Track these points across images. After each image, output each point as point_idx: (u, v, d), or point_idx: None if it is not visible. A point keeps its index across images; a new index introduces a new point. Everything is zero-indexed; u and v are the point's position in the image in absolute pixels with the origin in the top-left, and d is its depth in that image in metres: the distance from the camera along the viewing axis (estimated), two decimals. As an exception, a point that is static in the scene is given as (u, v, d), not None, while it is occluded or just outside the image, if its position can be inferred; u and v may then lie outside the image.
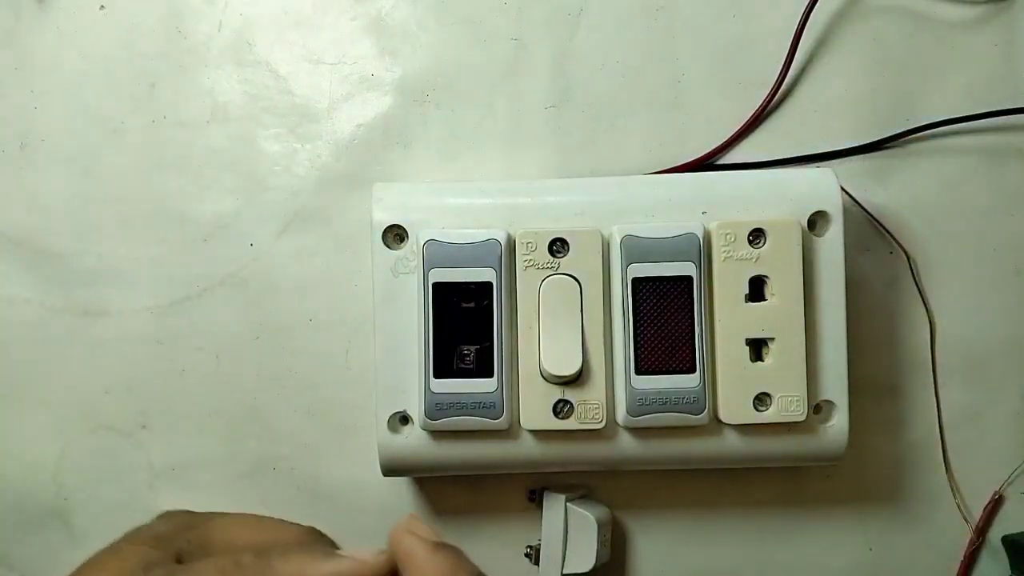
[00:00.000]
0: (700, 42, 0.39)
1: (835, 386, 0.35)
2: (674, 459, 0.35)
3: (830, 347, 0.35)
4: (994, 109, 0.38)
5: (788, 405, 0.34)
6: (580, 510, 0.36)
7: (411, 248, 0.35)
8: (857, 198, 0.38)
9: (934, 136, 0.39)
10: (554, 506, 0.36)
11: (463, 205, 0.35)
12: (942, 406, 0.38)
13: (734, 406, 0.34)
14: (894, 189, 0.38)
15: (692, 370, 0.34)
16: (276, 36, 0.39)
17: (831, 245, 0.35)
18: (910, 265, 0.38)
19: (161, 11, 0.39)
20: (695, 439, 0.35)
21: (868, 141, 0.38)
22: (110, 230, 0.39)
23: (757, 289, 0.34)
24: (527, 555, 0.37)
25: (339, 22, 0.39)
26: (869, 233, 0.38)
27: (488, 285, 0.34)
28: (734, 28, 0.39)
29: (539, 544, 0.36)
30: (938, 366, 0.38)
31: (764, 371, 0.34)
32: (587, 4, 0.39)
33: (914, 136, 0.38)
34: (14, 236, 0.39)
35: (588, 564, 0.35)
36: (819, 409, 0.35)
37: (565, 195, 0.36)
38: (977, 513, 0.38)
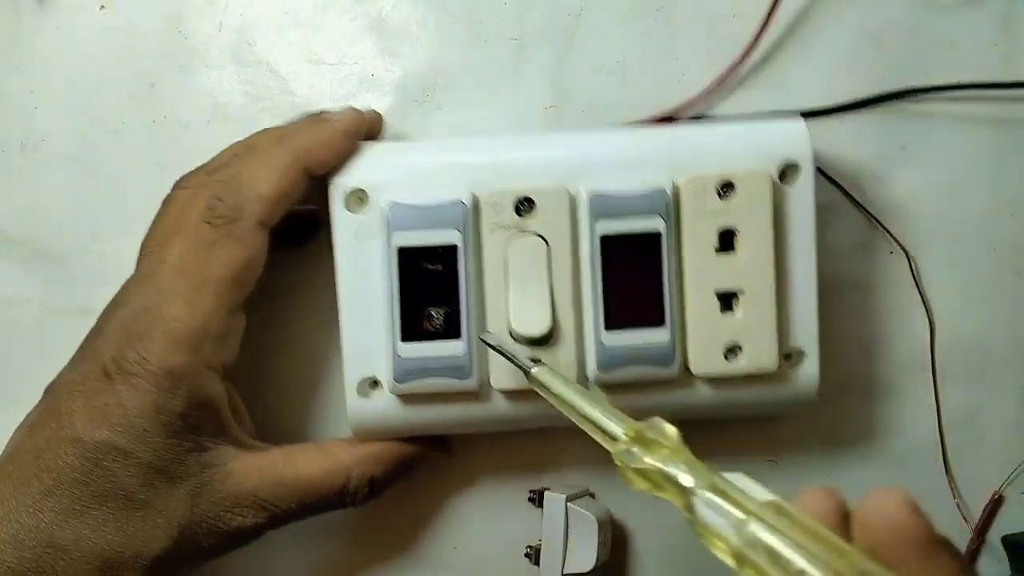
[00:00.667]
0: (700, 42, 0.39)
1: (805, 334, 0.35)
2: (646, 413, 0.35)
3: (801, 296, 0.35)
4: (983, 81, 0.38)
5: (759, 355, 0.34)
6: (581, 510, 0.36)
7: (373, 211, 0.34)
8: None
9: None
10: (554, 506, 0.36)
11: (426, 166, 0.35)
12: (942, 406, 0.38)
13: (704, 358, 0.34)
14: (894, 189, 0.38)
15: (662, 324, 0.33)
16: (276, 36, 0.39)
17: (801, 195, 0.34)
18: (910, 265, 0.38)
19: (161, 11, 0.39)
20: (667, 392, 0.34)
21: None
22: (110, 230, 0.39)
23: (727, 241, 0.34)
24: (527, 555, 0.37)
25: (339, 22, 0.39)
26: (869, 233, 0.38)
27: (453, 248, 0.33)
28: (734, 28, 0.39)
29: (539, 544, 0.36)
30: (938, 366, 0.38)
31: (734, 322, 0.34)
32: (587, 4, 0.39)
33: (905, 104, 0.38)
34: (14, 236, 0.39)
35: (589, 564, 0.35)
36: (790, 358, 0.35)
37: (530, 152, 0.35)
38: (977, 513, 0.38)
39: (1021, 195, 0.39)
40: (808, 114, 0.37)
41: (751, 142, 0.34)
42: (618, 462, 0.26)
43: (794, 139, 0.34)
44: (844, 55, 0.38)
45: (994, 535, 0.38)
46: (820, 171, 0.38)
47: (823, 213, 0.38)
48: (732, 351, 0.34)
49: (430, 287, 0.34)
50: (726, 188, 0.34)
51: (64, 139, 0.39)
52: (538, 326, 0.33)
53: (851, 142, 0.38)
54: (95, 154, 0.39)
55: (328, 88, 0.39)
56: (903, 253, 0.38)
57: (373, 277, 0.34)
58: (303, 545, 0.39)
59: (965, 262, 0.39)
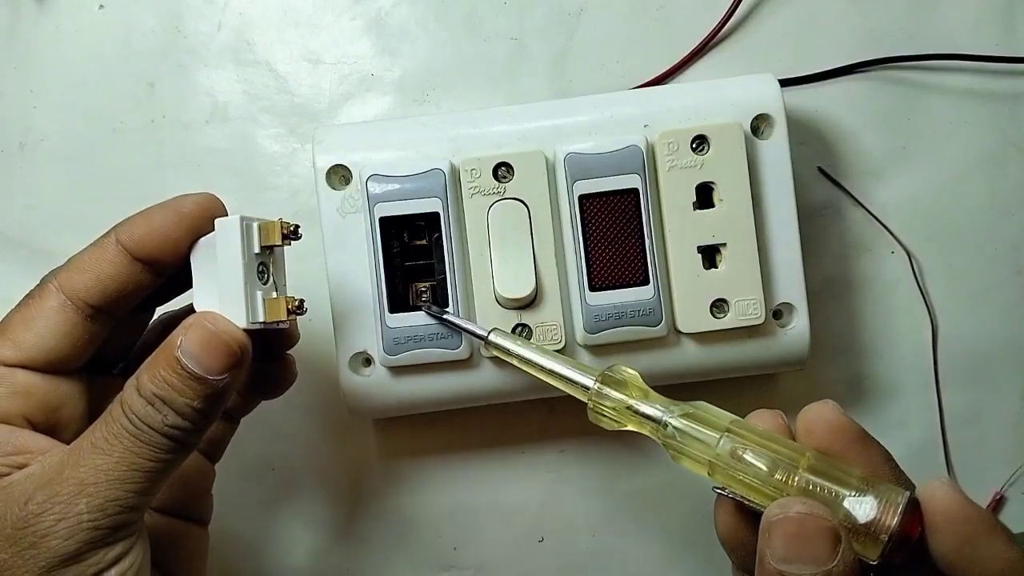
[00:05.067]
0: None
1: (792, 288, 0.35)
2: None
3: (783, 249, 0.35)
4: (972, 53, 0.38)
5: (746, 309, 0.34)
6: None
7: (356, 187, 0.35)
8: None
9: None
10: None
11: (406, 140, 0.35)
12: (944, 406, 0.38)
13: (691, 314, 0.34)
14: (895, 189, 0.38)
15: (646, 282, 0.34)
16: (276, 36, 0.39)
17: (776, 147, 0.35)
18: (912, 265, 0.38)
19: (161, 11, 0.39)
20: (656, 351, 0.35)
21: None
22: (110, 230, 0.39)
23: (705, 196, 0.34)
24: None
25: (339, 22, 0.39)
26: (870, 233, 0.38)
27: (435, 215, 0.34)
28: (734, 28, 0.39)
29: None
30: (940, 366, 0.38)
31: (719, 277, 0.34)
32: (587, 4, 0.39)
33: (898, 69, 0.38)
34: (14, 236, 0.39)
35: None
36: (779, 315, 0.35)
37: (507, 122, 0.35)
38: (979, 514, 0.38)
39: (1021, 195, 0.38)
40: (790, 81, 0.38)
41: (722, 98, 0.35)
42: (593, 408, 0.29)
43: (764, 91, 0.35)
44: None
45: (996, 536, 0.38)
46: (821, 170, 0.38)
47: (824, 213, 0.38)
48: (718, 306, 0.34)
49: (415, 257, 0.34)
50: (700, 142, 0.34)
51: (64, 139, 0.39)
52: (522, 289, 0.33)
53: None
54: (94, 154, 0.39)
55: (328, 88, 0.39)
56: (904, 253, 0.38)
57: (360, 253, 0.34)
58: (300, 546, 0.39)
59: (966, 262, 0.38)
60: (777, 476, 0.25)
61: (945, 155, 0.38)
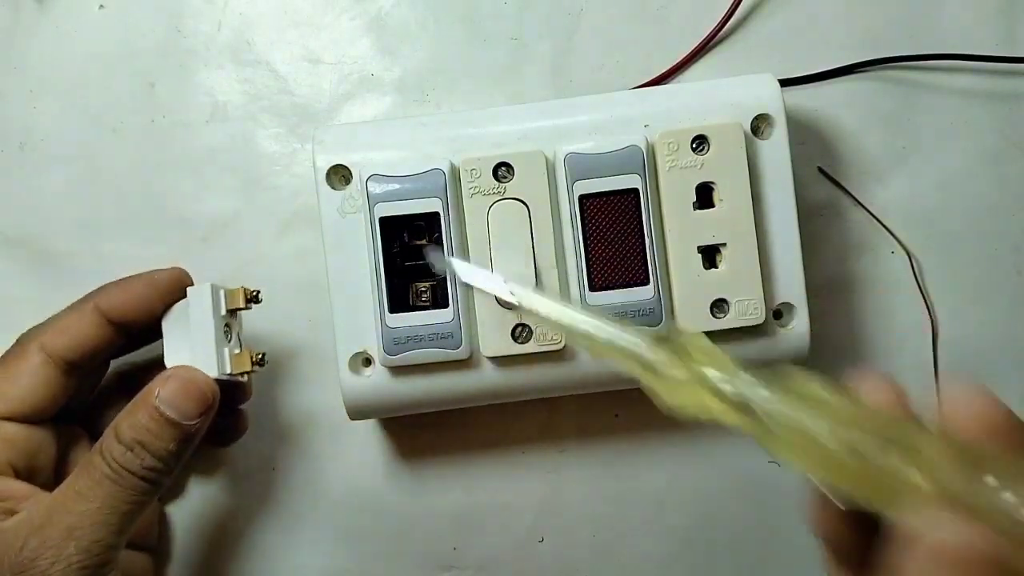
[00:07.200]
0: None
1: (792, 288, 0.35)
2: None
3: (784, 249, 0.35)
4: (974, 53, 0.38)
5: (746, 309, 0.34)
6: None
7: (356, 187, 0.35)
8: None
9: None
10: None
11: (406, 140, 0.35)
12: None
13: (691, 314, 0.34)
14: (895, 189, 0.38)
15: (646, 282, 0.34)
16: (276, 35, 0.39)
17: (776, 147, 0.35)
18: (912, 265, 0.38)
19: (160, 10, 0.39)
20: None
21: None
22: (110, 230, 0.39)
23: (706, 196, 0.34)
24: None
25: (339, 22, 0.39)
26: (870, 233, 0.38)
27: (435, 216, 0.34)
28: (734, 28, 0.39)
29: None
30: (940, 366, 0.38)
31: (719, 277, 0.34)
32: (587, 4, 0.39)
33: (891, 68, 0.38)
34: (14, 236, 0.39)
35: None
36: (779, 315, 0.35)
37: (507, 122, 0.35)
38: (979, 514, 0.38)
39: (1021, 195, 0.38)
40: (790, 81, 0.38)
41: (722, 98, 0.35)
42: (652, 382, 0.22)
43: (764, 91, 0.35)
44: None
45: (996, 536, 0.38)
46: (821, 170, 0.38)
47: (824, 213, 0.38)
48: (718, 306, 0.34)
49: (415, 257, 0.34)
50: (700, 142, 0.34)
51: (64, 139, 0.39)
52: None
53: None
54: (95, 154, 0.39)
55: (328, 88, 0.39)
56: (904, 253, 0.38)
57: (360, 253, 0.34)
58: (300, 546, 0.39)
59: (966, 262, 0.38)
60: (913, 479, 0.20)
61: (945, 155, 0.39)
